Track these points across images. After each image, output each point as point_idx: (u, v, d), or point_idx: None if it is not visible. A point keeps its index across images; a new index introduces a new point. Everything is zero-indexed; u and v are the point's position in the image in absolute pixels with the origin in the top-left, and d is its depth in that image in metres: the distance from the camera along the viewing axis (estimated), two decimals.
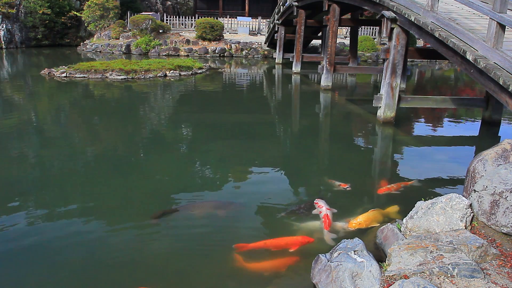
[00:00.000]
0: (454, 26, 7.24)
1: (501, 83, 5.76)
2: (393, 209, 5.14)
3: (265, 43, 26.82)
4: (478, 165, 4.27)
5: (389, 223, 4.16)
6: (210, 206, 5.34)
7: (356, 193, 5.77)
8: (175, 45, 26.15)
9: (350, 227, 4.58)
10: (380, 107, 9.62)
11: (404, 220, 3.94)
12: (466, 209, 3.73)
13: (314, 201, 5.21)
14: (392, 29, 9.20)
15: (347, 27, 25.77)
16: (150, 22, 26.23)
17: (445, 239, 3.42)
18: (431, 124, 11.01)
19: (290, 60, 19.23)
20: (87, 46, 27.33)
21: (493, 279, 2.98)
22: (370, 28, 29.20)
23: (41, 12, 27.52)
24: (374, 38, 28.04)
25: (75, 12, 29.34)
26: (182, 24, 30.46)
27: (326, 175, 6.55)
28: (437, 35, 7.39)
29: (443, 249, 3.26)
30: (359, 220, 4.66)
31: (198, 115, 10.82)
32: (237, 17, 32.48)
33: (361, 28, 28.28)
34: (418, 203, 3.98)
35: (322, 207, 5.02)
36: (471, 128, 10.74)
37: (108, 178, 6.27)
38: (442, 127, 10.83)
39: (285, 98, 14.61)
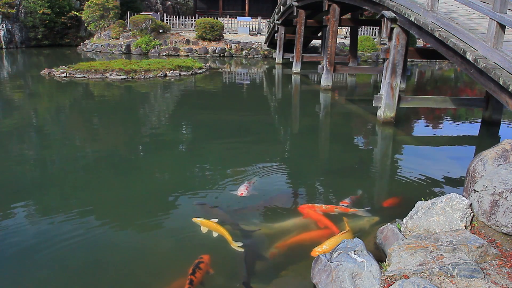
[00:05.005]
0: (454, 26, 7.24)
1: (501, 83, 5.76)
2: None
3: (265, 43, 26.82)
4: (478, 165, 4.27)
5: (389, 223, 4.16)
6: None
7: (355, 194, 5.75)
8: (175, 45, 26.16)
9: (313, 255, 4.01)
10: (380, 107, 9.61)
11: (404, 220, 3.94)
12: (466, 209, 3.73)
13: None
14: (392, 29, 9.20)
15: (347, 27, 25.76)
16: (150, 22, 26.23)
17: (445, 239, 3.42)
18: (431, 124, 11.01)
19: (290, 60, 19.24)
20: (87, 46, 27.34)
21: (493, 279, 2.98)
22: (370, 28, 29.21)
23: (41, 12, 27.53)
24: (374, 38, 28.04)
25: (75, 12, 29.35)
26: (182, 24, 30.46)
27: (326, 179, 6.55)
28: (437, 35, 7.40)
29: (443, 249, 3.26)
30: (325, 248, 4.09)
31: (198, 115, 10.82)
32: (237, 17, 32.49)
33: (361, 28, 28.28)
34: (418, 203, 3.98)
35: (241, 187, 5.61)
36: (471, 128, 10.74)
37: (108, 178, 6.27)
38: (442, 127, 10.83)
39: (285, 98, 14.61)
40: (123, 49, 25.66)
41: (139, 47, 25.48)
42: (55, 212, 5.02)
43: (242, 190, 5.57)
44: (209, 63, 21.90)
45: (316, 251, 4.06)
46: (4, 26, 26.71)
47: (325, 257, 3.47)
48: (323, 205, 5.23)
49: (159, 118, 10.56)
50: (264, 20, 30.23)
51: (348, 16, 17.80)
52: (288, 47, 21.54)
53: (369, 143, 8.97)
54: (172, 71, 16.88)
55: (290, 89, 16.14)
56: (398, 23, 9.07)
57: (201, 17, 28.79)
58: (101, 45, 26.60)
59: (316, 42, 26.47)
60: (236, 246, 4.28)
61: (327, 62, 14.25)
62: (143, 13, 28.58)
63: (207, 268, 3.86)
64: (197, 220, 4.71)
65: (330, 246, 4.03)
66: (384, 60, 9.58)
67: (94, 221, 4.83)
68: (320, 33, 22.94)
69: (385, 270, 3.21)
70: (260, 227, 4.72)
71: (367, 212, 5.07)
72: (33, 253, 4.10)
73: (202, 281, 3.70)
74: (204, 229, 4.57)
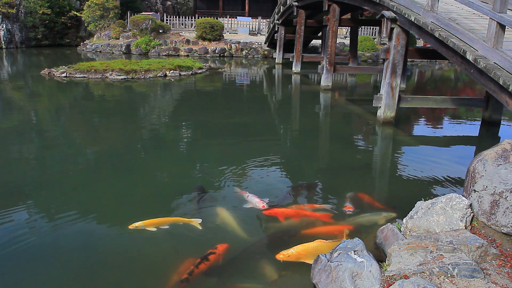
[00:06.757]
0: (454, 26, 7.25)
1: (501, 83, 5.77)
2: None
3: (265, 43, 26.82)
4: (478, 165, 4.27)
5: (389, 223, 4.16)
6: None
7: (354, 195, 5.75)
8: (175, 45, 26.15)
9: (277, 258, 3.91)
10: (380, 107, 9.62)
11: (404, 220, 3.95)
12: (466, 209, 3.73)
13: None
14: (392, 29, 9.20)
15: (347, 27, 25.78)
16: (150, 22, 26.23)
17: (445, 239, 3.42)
18: (431, 124, 11.01)
19: (290, 60, 19.24)
20: (87, 46, 27.34)
21: (493, 279, 2.98)
22: (370, 28, 29.21)
23: (41, 12, 27.53)
24: (374, 38, 28.04)
25: (75, 12, 29.35)
26: (182, 24, 30.46)
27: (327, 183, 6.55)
28: (437, 35, 7.40)
29: (443, 249, 3.26)
30: (291, 252, 3.92)
31: (198, 115, 10.82)
32: (237, 17, 32.48)
33: (361, 28, 28.29)
34: (418, 203, 3.98)
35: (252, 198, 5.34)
36: (471, 128, 10.74)
37: (108, 178, 6.27)
38: (442, 127, 10.83)
39: (285, 98, 14.60)
40: (123, 49, 25.66)
41: (139, 47, 25.48)
42: (55, 212, 5.02)
43: (260, 202, 5.23)
44: (209, 63, 21.90)
45: (281, 254, 3.94)
46: (4, 26, 26.70)
47: (325, 257, 3.47)
48: (294, 205, 5.27)
49: (159, 118, 10.56)
50: (264, 20, 30.23)
51: (348, 16, 17.81)
52: (288, 47, 21.54)
53: (369, 143, 8.96)
54: (172, 71, 16.88)
55: (290, 89, 16.14)
56: (398, 23, 9.07)
57: (201, 17, 28.78)
58: (101, 45, 26.60)
59: (316, 42, 26.47)
60: (197, 223, 4.57)
61: (327, 62, 14.25)
62: (143, 13, 28.58)
63: (218, 258, 3.89)
64: (137, 224, 4.48)
65: (296, 251, 3.94)
66: (384, 60, 9.58)
67: (94, 221, 4.82)
68: (320, 33, 22.95)
69: (385, 270, 3.21)
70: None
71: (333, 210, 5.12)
72: (33, 253, 4.10)
73: (206, 271, 3.75)
74: (151, 229, 4.45)
